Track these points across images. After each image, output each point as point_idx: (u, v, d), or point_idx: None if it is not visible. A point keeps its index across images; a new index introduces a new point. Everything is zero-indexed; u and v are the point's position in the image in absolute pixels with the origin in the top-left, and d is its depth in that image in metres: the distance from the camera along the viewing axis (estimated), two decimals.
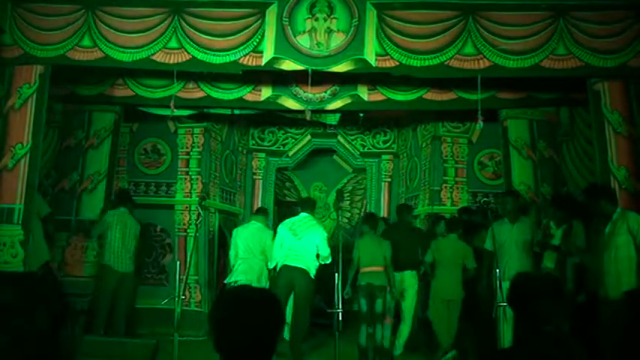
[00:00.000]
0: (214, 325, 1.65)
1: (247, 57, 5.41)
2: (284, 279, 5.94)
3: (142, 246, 6.83)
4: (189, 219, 7.48)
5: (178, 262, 4.90)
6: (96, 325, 6.06)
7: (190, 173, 7.65)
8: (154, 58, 5.44)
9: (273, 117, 8.23)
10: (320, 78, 5.87)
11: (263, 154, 9.07)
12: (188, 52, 5.43)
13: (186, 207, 7.53)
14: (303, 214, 6.19)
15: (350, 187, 9.89)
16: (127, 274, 6.26)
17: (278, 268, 6.05)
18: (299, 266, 5.92)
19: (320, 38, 5.41)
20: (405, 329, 6.33)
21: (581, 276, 5.11)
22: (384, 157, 9.03)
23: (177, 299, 4.65)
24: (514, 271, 5.19)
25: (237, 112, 7.43)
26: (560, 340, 2.00)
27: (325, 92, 6.29)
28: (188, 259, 6.00)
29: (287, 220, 6.24)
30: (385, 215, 8.62)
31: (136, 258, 6.50)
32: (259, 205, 8.80)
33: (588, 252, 4.92)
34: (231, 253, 6.41)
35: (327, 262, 5.99)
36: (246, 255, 6.26)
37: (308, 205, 6.39)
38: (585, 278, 5.03)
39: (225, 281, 6.53)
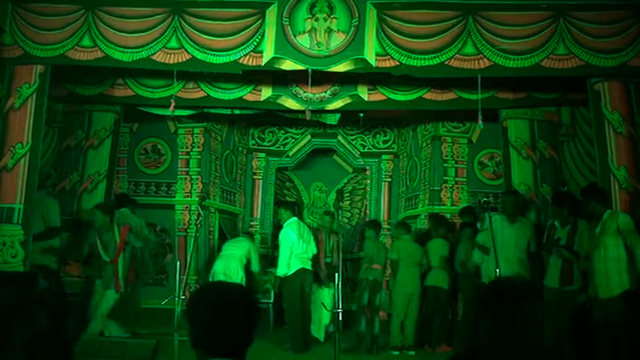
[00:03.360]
0: (190, 322, 1.65)
1: (247, 57, 5.41)
2: (299, 280, 6.45)
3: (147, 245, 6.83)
4: (189, 219, 7.48)
5: (178, 262, 4.90)
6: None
7: (190, 173, 7.65)
8: (153, 58, 5.44)
9: (273, 117, 8.23)
10: (320, 78, 5.86)
11: (263, 154, 9.06)
12: (188, 52, 5.43)
13: (186, 207, 7.54)
14: (295, 219, 6.69)
15: (350, 187, 9.87)
16: None
17: (292, 272, 6.46)
18: (310, 268, 6.62)
19: (320, 38, 5.41)
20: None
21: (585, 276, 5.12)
22: (384, 157, 9.01)
23: (177, 299, 4.65)
24: (510, 270, 5.20)
25: (237, 112, 7.42)
26: (535, 344, 2.00)
27: (325, 92, 6.28)
28: (188, 259, 5.99)
29: (293, 227, 6.59)
30: (385, 217, 8.64)
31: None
32: (259, 205, 8.83)
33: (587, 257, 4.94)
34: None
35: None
36: None
37: (291, 207, 6.98)
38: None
39: None
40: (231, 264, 6.94)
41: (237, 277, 6.92)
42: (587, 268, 4.92)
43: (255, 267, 7.23)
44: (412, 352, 6.33)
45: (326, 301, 6.79)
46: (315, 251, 6.79)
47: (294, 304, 6.40)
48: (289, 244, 6.44)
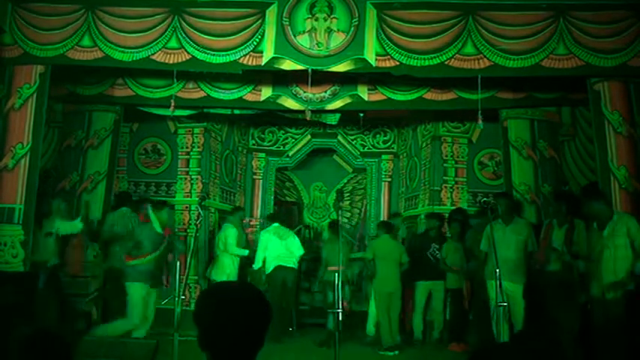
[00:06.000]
0: (197, 324, 1.61)
1: (247, 57, 5.42)
2: (279, 277, 7.00)
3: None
4: (189, 219, 7.48)
5: (178, 262, 4.89)
6: None
7: (190, 173, 7.66)
8: (153, 58, 5.44)
9: (273, 117, 8.24)
10: (320, 78, 5.86)
11: (263, 154, 9.07)
12: (188, 52, 5.43)
13: (186, 207, 7.54)
14: (277, 224, 7.31)
15: (350, 187, 9.88)
16: None
17: (270, 269, 7.04)
18: (290, 266, 7.08)
19: (320, 38, 5.41)
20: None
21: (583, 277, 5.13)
22: (384, 157, 9.03)
23: (177, 299, 4.64)
24: (506, 271, 5.20)
25: (237, 112, 7.42)
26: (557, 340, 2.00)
27: (325, 92, 6.28)
28: (188, 259, 5.99)
29: (269, 230, 7.27)
30: (385, 217, 8.64)
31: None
32: (259, 205, 8.84)
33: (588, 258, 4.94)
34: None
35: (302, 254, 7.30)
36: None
37: (278, 217, 7.66)
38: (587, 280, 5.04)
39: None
40: (219, 263, 7.07)
41: (225, 272, 7.04)
42: (587, 268, 4.92)
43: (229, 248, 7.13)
44: (396, 352, 6.27)
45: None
46: (301, 251, 7.18)
47: (273, 299, 6.78)
48: (263, 243, 7.15)
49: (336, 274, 4.72)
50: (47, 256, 5.61)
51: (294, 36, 5.41)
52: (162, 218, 5.62)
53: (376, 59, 5.34)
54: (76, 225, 5.83)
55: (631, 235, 4.56)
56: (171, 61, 5.45)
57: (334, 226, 7.24)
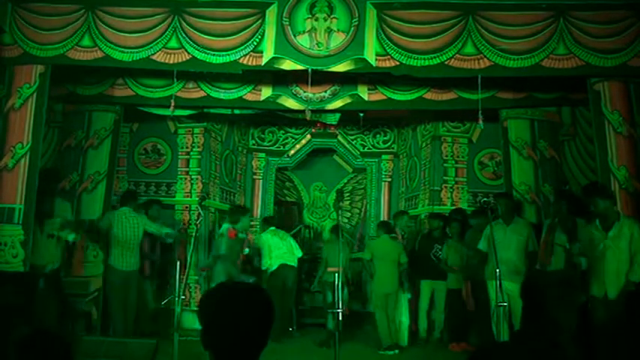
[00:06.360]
0: (202, 322, 1.62)
1: (247, 57, 5.41)
2: (281, 276, 7.13)
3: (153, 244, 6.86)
4: (190, 219, 7.48)
5: (178, 262, 4.89)
6: (114, 326, 6.10)
7: (190, 173, 7.66)
8: (153, 58, 5.44)
9: (273, 117, 8.24)
10: (320, 78, 5.86)
11: (263, 154, 9.07)
12: (188, 52, 5.43)
13: (186, 207, 7.54)
14: (273, 227, 7.43)
15: (350, 187, 9.88)
16: (131, 272, 6.26)
17: (275, 267, 7.13)
18: (291, 264, 7.22)
19: (320, 38, 5.41)
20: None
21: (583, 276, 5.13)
22: (384, 157, 9.03)
23: (177, 299, 4.65)
24: (507, 271, 5.20)
25: (237, 111, 7.43)
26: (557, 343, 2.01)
27: (325, 92, 6.28)
28: (188, 259, 5.99)
29: (268, 230, 7.40)
30: (385, 217, 8.64)
31: (142, 257, 6.52)
32: (259, 205, 8.84)
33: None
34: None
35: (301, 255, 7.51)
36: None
37: (273, 221, 7.73)
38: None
39: None
40: (216, 268, 6.91)
41: (219, 278, 6.85)
42: (589, 266, 4.92)
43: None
44: (396, 351, 6.27)
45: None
46: (300, 253, 7.33)
47: (272, 298, 6.60)
48: (266, 243, 7.27)
49: (336, 275, 4.73)
50: (48, 258, 5.61)
51: (294, 36, 5.41)
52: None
53: (376, 59, 5.34)
54: (70, 237, 5.82)
55: (633, 240, 4.57)
56: (171, 61, 5.45)
57: (335, 230, 7.24)
